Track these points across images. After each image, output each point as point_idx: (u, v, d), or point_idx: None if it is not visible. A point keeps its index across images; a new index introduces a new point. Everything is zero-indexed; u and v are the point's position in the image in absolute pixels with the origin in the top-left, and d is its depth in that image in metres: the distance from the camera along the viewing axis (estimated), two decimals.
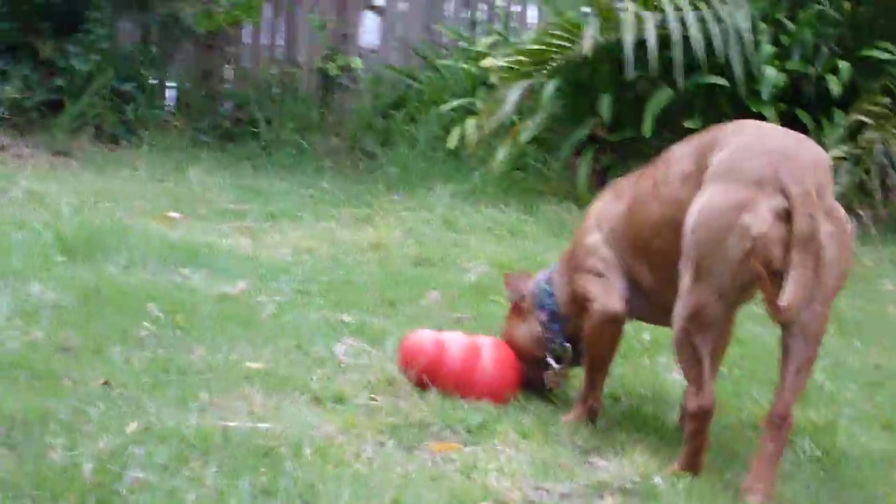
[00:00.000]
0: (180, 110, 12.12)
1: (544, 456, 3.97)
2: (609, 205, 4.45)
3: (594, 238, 4.44)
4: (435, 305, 5.89)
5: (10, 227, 6.76)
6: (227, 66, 12.54)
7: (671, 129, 9.98)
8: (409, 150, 11.21)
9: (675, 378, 4.94)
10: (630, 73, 9.28)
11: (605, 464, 3.96)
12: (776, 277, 3.56)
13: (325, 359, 4.88)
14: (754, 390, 4.85)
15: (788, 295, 3.54)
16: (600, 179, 9.87)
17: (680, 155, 4.08)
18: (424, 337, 4.65)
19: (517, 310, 4.71)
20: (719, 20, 9.52)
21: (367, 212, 8.82)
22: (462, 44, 12.16)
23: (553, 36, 9.71)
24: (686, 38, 9.32)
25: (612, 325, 4.39)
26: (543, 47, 9.66)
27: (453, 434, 4.15)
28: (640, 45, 9.33)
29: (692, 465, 3.87)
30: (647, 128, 9.46)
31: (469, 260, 7.17)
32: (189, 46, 12.28)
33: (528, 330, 4.67)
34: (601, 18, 9.52)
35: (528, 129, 10.13)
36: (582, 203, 9.05)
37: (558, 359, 4.63)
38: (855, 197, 9.03)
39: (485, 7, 12.89)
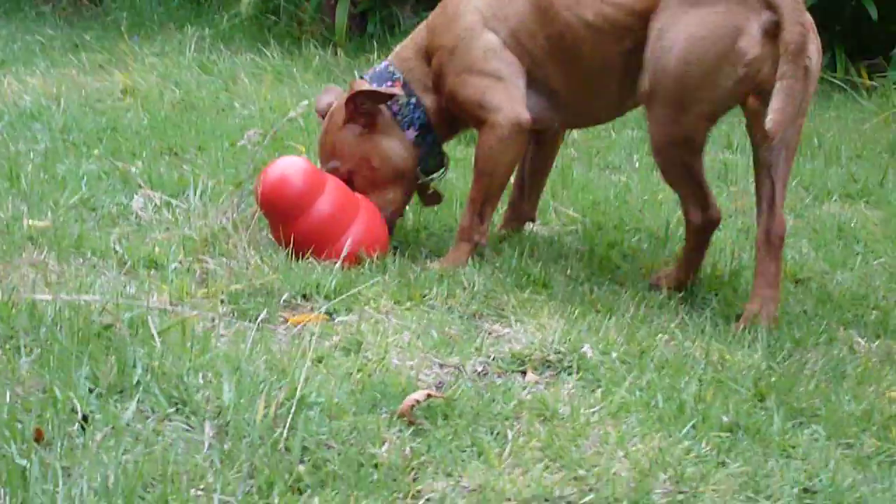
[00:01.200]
0: None
1: (432, 324, 3.22)
2: (501, 1, 3.84)
3: (489, 38, 3.82)
4: (239, 150, 4.98)
5: None
6: None
7: None
8: None
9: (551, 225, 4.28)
10: None
11: (507, 331, 3.23)
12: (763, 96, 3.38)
13: (118, 214, 3.97)
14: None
15: (778, 112, 3.26)
16: (359, 25, 9.08)
17: None
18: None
19: (371, 126, 3.91)
20: None
21: (106, 57, 7.76)
22: None
23: None
24: None
25: (519, 136, 3.81)
26: None
27: (308, 302, 3.34)
28: None
29: (682, 282, 3.81)
30: None
31: (243, 103, 6.27)
32: None
33: (394, 146, 3.93)
34: None
35: None
36: (344, 49, 8.28)
37: (430, 172, 4.07)
38: None
39: None
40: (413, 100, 3.92)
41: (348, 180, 3.86)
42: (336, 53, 8.31)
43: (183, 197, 4.14)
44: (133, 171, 4.33)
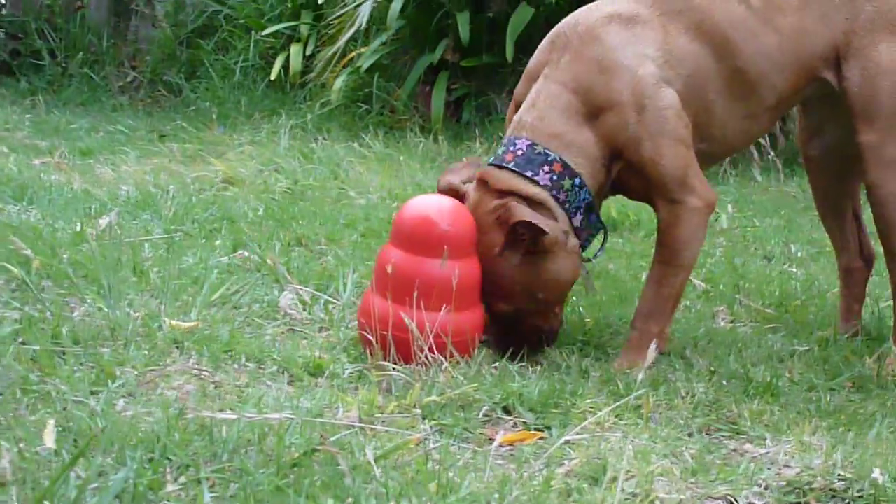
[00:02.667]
0: None
1: (665, 441, 2.67)
2: (666, 40, 3.32)
3: (671, 95, 3.29)
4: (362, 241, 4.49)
5: None
6: None
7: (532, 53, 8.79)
8: (222, 82, 9.67)
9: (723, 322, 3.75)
10: None
11: (762, 451, 2.67)
12: None
13: (265, 313, 3.46)
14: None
15: None
16: (455, 111, 8.63)
17: None
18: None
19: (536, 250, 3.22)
20: None
21: (197, 146, 7.30)
22: None
23: None
24: None
25: (708, 218, 3.36)
26: None
27: (511, 416, 2.81)
28: None
29: None
30: (509, 52, 8.17)
31: (358, 191, 5.78)
32: None
33: (564, 263, 3.27)
34: None
35: (370, 55, 8.74)
36: (442, 136, 7.80)
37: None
38: None
39: None
40: (577, 180, 3.28)
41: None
42: (437, 140, 7.86)
43: (332, 291, 3.63)
44: (279, 264, 3.80)
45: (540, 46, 3.44)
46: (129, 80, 10.36)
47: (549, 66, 3.34)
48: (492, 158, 3.32)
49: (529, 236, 3.17)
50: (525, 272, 3.22)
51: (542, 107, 3.30)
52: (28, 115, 8.32)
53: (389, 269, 3.03)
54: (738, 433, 2.83)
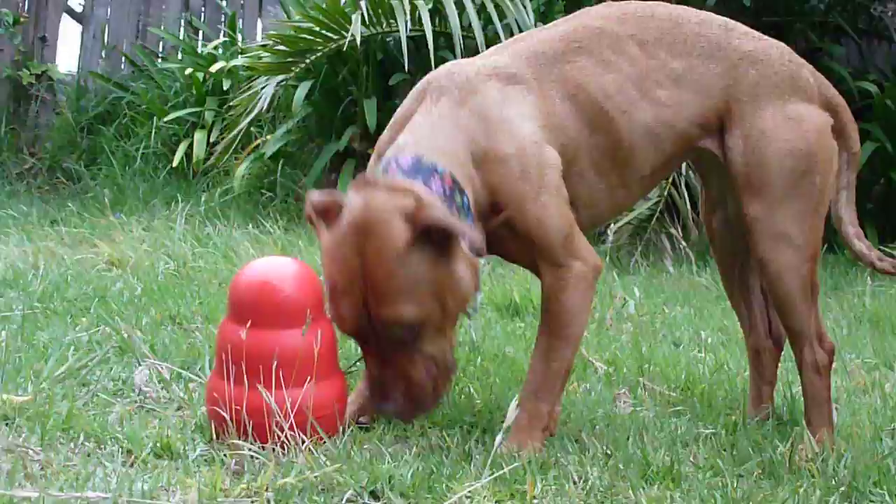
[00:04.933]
0: None
1: None
2: (545, 104, 3.08)
3: (554, 156, 3.03)
4: None
5: None
6: None
7: None
8: (122, 169, 9.34)
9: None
10: (409, 67, 7.69)
11: None
12: None
13: (117, 390, 3.12)
14: None
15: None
16: None
17: (656, 50, 3.25)
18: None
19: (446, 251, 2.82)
20: (501, 15, 8.10)
21: (86, 232, 6.95)
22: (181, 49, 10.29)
23: (312, 27, 7.99)
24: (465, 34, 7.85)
25: (595, 283, 3.08)
26: (305, 35, 7.95)
27: (379, 501, 2.48)
28: (412, 39, 7.82)
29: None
30: None
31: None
32: None
33: (466, 271, 2.87)
34: (369, 6, 7.90)
35: (275, 141, 8.49)
36: None
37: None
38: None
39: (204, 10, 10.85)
40: (465, 199, 2.93)
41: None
42: None
43: (196, 369, 3.30)
44: (136, 337, 3.47)
45: (409, 96, 3.14)
46: (27, 166, 10.01)
47: (423, 106, 3.04)
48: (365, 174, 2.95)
49: (441, 235, 2.78)
50: (432, 271, 2.79)
51: (425, 129, 2.98)
52: None
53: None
54: None
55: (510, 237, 3.03)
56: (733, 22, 3.41)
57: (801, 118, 3.23)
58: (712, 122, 3.26)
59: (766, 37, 3.39)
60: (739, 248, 3.53)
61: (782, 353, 3.62)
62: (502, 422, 3.12)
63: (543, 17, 8.63)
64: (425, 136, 2.96)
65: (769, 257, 3.21)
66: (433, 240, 2.77)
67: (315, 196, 2.88)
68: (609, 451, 2.96)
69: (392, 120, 3.15)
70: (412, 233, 2.75)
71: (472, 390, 3.48)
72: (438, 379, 2.88)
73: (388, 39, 8.49)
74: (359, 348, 2.93)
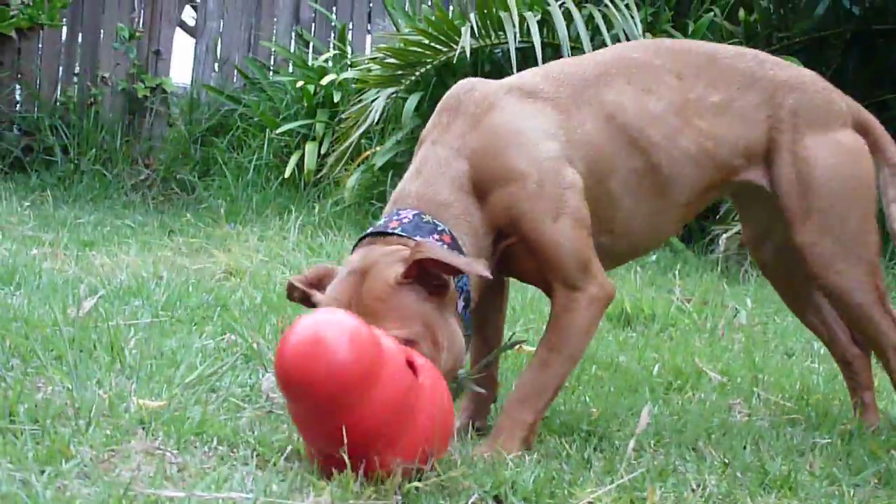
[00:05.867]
0: None
1: None
2: (569, 120, 3.10)
3: (573, 175, 3.04)
4: None
5: None
6: (16, 84, 10.51)
7: None
8: (235, 180, 9.52)
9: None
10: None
11: None
12: None
13: (245, 397, 3.23)
14: None
15: None
16: None
17: (694, 82, 3.28)
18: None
19: (440, 296, 2.85)
20: (609, 25, 8.14)
21: (202, 242, 7.12)
22: (292, 62, 10.46)
23: (421, 39, 8.11)
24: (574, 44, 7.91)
25: (605, 311, 3.10)
26: (414, 48, 8.07)
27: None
28: (519, 51, 7.90)
29: None
30: None
31: None
32: None
33: (457, 330, 2.92)
34: (478, 18, 8.01)
35: (384, 153, 8.60)
36: None
37: None
38: None
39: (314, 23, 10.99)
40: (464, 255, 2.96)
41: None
42: None
43: None
44: (261, 345, 3.58)
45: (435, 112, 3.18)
46: (142, 177, 10.23)
47: (436, 130, 3.09)
48: (370, 229, 3.03)
49: (437, 279, 2.83)
50: (423, 305, 2.81)
51: (428, 174, 3.01)
52: (35, 211, 8.15)
53: None
54: None
55: (524, 258, 3.06)
56: (764, 53, 3.47)
57: (840, 142, 3.29)
58: (756, 153, 3.30)
59: (794, 65, 3.45)
60: (796, 273, 3.53)
61: (871, 356, 3.63)
62: (618, 430, 3.19)
63: (651, 27, 8.68)
64: (428, 183, 3.00)
65: (830, 281, 3.27)
66: (429, 282, 2.81)
67: (299, 277, 2.97)
68: (726, 460, 3.00)
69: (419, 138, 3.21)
70: (406, 267, 2.78)
71: (587, 399, 3.53)
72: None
73: (496, 51, 8.58)
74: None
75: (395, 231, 2.93)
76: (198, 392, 3.15)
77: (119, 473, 2.44)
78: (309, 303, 2.94)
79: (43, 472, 2.40)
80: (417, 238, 2.89)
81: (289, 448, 2.73)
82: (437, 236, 2.92)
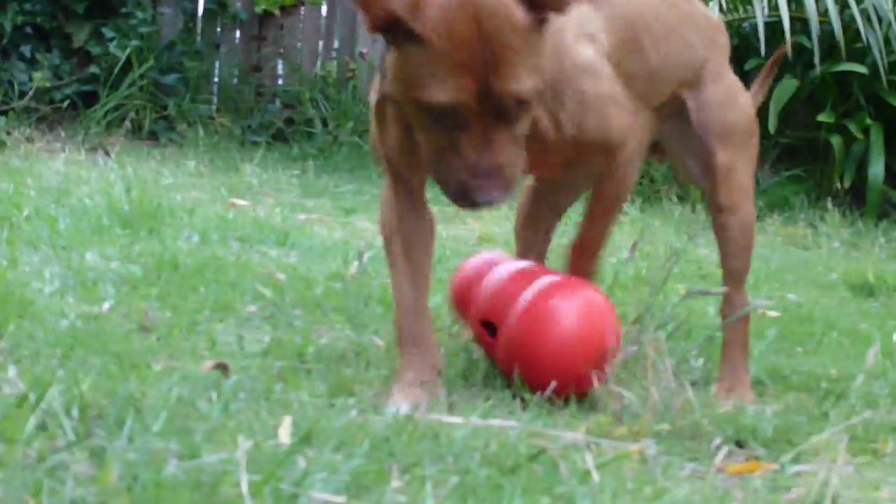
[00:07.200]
0: (225, 106, 10.71)
1: None
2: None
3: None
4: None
5: (48, 199, 5.41)
6: (278, 59, 11.10)
7: (797, 125, 8.68)
8: None
9: None
10: (765, 52, 7.86)
11: None
12: None
13: None
14: None
15: None
16: None
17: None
18: None
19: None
20: (858, 0, 8.15)
21: (456, 210, 7.43)
22: None
23: None
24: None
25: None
26: None
27: (743, 449, 2.78)
28: (767, 25, 7.99)
29: None
30: (771, 124, 8.10)
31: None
32: (235, 36, 10.91)
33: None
34: None
35: None
36: (700, 204, 7.78)
37: None
38: None
39: None
40: None
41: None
42: (693, 210, 7.86)
43: None
44: None
45: None
46: None
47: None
48: None
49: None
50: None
51: None
52: (298, 179, 8.64)
53: None
54: None
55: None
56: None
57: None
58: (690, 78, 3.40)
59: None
60: None
61: None
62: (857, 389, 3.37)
63: None
64: None
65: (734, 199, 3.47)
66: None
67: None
68: None
69: None
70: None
71: (827, 361, 3.71)
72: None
73: (743, 25, 8.68)
74: None
75: None
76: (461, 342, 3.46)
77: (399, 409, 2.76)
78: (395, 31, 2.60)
79: (332, 404, 2.74)
80: None
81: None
82: None
